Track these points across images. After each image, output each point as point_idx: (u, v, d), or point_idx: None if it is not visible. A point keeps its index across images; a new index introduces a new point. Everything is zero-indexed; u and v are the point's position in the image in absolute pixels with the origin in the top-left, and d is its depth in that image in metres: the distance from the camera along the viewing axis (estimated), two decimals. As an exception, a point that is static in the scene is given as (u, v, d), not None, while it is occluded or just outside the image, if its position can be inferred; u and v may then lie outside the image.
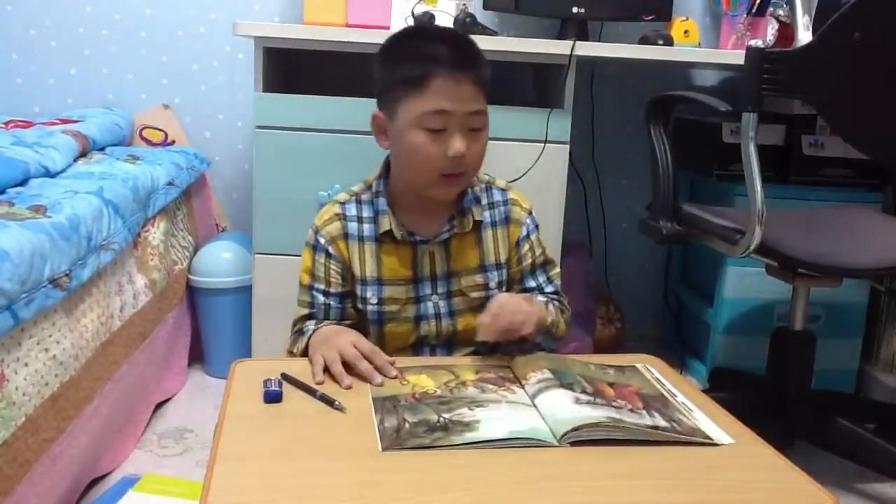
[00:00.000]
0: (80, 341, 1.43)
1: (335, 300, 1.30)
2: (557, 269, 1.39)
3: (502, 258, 1.33)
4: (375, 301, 1.29)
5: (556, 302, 1.35)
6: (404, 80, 1.19)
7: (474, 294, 1.30)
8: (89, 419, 1.47)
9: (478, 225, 1.31)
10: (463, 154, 1.19)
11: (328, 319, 1.30)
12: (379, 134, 1.28)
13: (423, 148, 1.19)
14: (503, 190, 1.35)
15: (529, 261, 1.35)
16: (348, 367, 1.11)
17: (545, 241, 1.40)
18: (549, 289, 1.37)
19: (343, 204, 1.31)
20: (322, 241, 1.29)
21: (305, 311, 1.31)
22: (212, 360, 2.20)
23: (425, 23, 1.29)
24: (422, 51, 1.21)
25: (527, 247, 1.35)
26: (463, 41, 1.25)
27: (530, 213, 1.36)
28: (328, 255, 1.29)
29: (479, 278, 1.31)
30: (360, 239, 1.29)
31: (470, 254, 1.31)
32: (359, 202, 1.31)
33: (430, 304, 1.30)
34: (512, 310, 1.17)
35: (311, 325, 1.29)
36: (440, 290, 1.30)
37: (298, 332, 1.30)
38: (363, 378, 1.10)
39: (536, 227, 1.36)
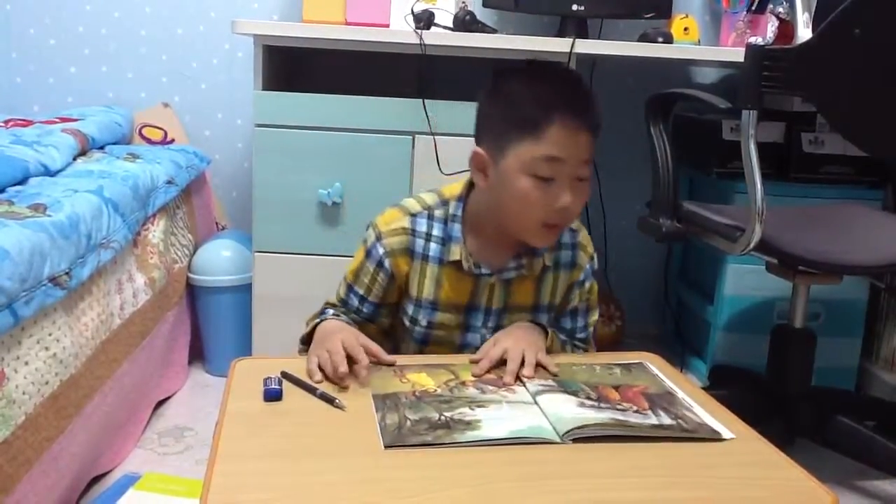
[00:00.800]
0: (80, 340, 1.43)
1: (369, 308, 1.29)
2: (596, 316, 1.35)
3: (557, 300, 1.30)
4: (425, 324, 1.26)
5: (579, 348, 1.33)
6: (518, 122, 1.13)
7: None
8: (89, 417, 1.47)
9: (545, 268, 1.27)
10: (570, 206, 1.14)
11: (357, 315, 1.29)
12: (478, 171, 1.20)
13: (530, 195, 1.13)
14: (573, 231, 1.30)
15: (574, 304, 1.32)
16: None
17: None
18: (581, 335, 1.34)
19: (414, 217, 1.25)
20: (380, 251, 1.25)
21: (337, 302, 1.31)
22: (212, 359, 2.20)
23: (537, 61, 1.23)
24: (541, 93, 1.14)
25: (577, 291, 1.31)
26: (582, 85, 1.19)
27: (592, 258, 1.32)
28: (380, 265, 1.25)
29: (528, 317, 1.27)
30: (424, 258, 1.25)
31: (528, 293, 1.27)
32: (430, 217, 1.25)
33: (478, 335, 1.27)
34: (506, 348, 1.14)
35: (331, 311, 1.29)
36: (490, 323, 1.27)
37: (321, 311, 1.30)
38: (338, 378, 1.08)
39: (594, 272, 1.32)
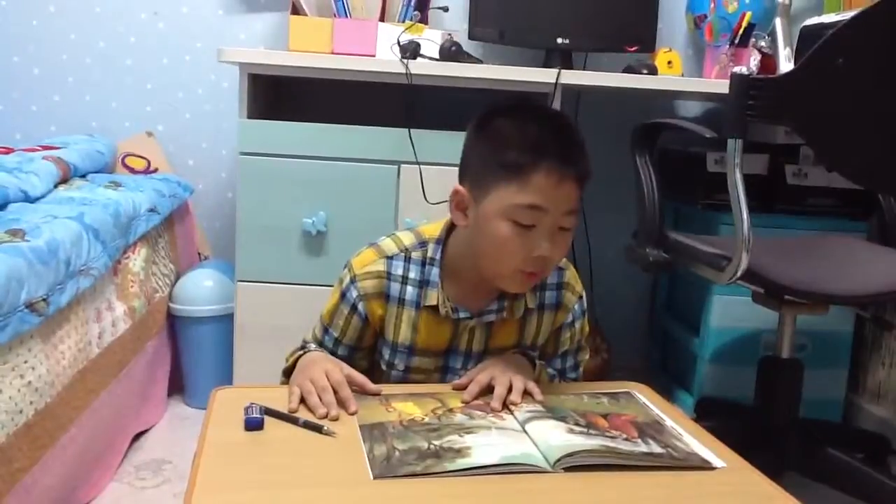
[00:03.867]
0: (56, 368, 1.40)
1: (344, 351, 1.25)
2: (587, 356, 1.32)
3: (540, 341, 1.25)
4: (402, 368, 1.22)
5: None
6: (503, 165, 1.08)
7: None
8: (65, 449, 1.43)
9: (528, 310, 1.23)
10: (549, 255, 1.10)
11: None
12: (457, 210, 1.15)
13: (509, 242, 1.09)
14: (560, 269, 1.25)
15: (566, 348, 1.28)
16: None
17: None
18: (571, 375, 1.30)
19: (390, 259, 1.21)
20: (354, 294, 1.20)
21: (313, 342, 1.27)
22: (192, 391, 2.16)
23: (528, 101, 1.19)
24: (528, 136, 1.09)
25: (568, 334, 1.27)
26: (572, 130, 1.14)
27: (581, 297, 1.27)
28: (354, 310, 1.21)
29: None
30: (401, 302, 1.20)
31: (511, 335, 1.23)
32: (407, 259, 1.21)
33: (456, 377, 1.20)
34: (494, 375, 1.12)
35: (313, 346, 1.25)
36: (470, 365, 1.22)
37: (302, 345, 1.26)
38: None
39: (583, 312, 1.28)
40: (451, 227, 1.22)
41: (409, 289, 1.20)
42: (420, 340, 1.21)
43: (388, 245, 1.23)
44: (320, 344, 1.26)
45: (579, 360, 1.31)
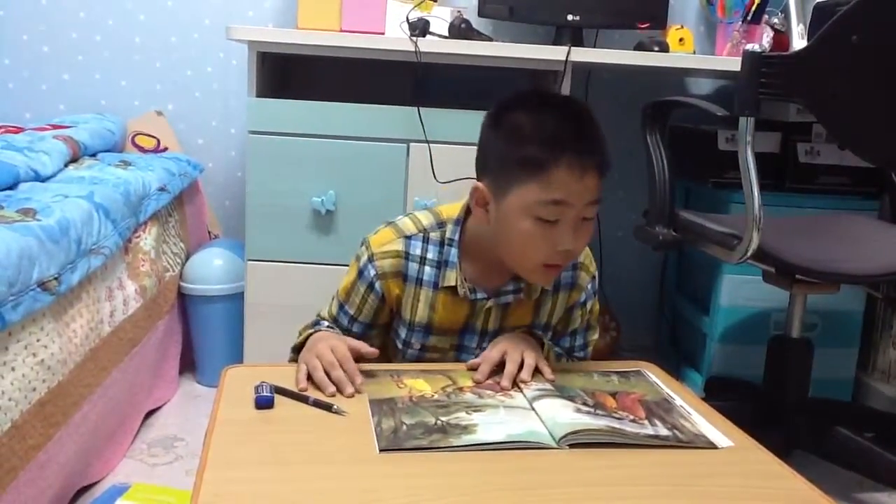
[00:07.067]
0: (68, 346, 1.41)
1: (359, 328, 1.25)
2: (596, 335, 1.32)
3: (554, 320, 1.26)
4: (418, 347, 1.23)
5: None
6: (523, 162, 1.06)
7: None
8: (77, 426, 1.45)
9: (543, 291, 1.23)
10: (572, 249, 1.10)
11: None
12: (479, 206, 1.14)
13: (532, 238, 1.08)
14: None
15: (576, 325, 1.28)
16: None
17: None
18: (579, 353, 1.30)
19: (408, 239, 1.21)
20: (371, 272, 1.21)
21: (327, 319, 1.27)
22: (203, 369, 2.17)
23: (542, 90, 1.17)
24: (545, 130, 1.07)
25: (579, 312, 1.27)
26: (590, 120, 1.12)
27: (594, 277, 1.27)
28: (371, 288, 1.21)
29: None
30: (418, 282, 1.20)
31: (525, 315, 1.23)
32: (426, 241, 1.20)
33: (471, 357, 1.19)
34: (509, 354, 1.12)
35: (325, 324, 1.26)
36: (485, 344, 1.21)
37: (315, 322, 1.27)
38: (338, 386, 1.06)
39: (595, 292, 1.28)
40: (468, 209, 1.21)
41: (427, 269, 1.20)
42: (437, 320, 1.22)
43: (407, 225, 1.23)
44: (335, 320, 1.27)
45: (588, 340, 1.32)
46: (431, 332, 1.22)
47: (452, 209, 1.24)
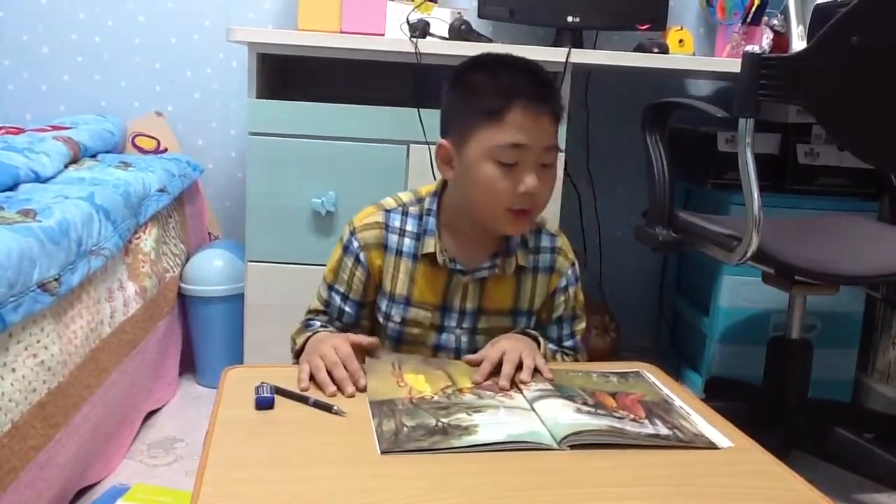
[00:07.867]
0: (68, 347, 1.41)
1: (351, 307, 1.28)
2: (583, 325, 1.34)
3: (535, 305, 1.28)
4: (399, 320, 1.25)
5: (569, 356, 1.31)
6: (480, 110, 1.13)
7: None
8: (78, 427, 1.45)
9: (520, 269, 1.25)
10: (534, 190, 1.14)
11: (340, 322, 1.28)
12: (443, 164, 1.21)
13: (494, 182, 1.13)
14: (553, 236, 1.30)
15: (560, 313, 1.30)
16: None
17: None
18: (567, 343, 1.32)
19: (388, 212, 1.26)
20: (355, 244, 1.25)
21: (320, 306, 1.30)
22: (203, 370, 2.18)
23: (501, 53, 1.23)
24: (501, 81, 1.14)
25: (562, 298, 1.29)
26: (542, 72, 1.18)
27: (574, 264, 1.30)
28: (357, 260, 1.25)
29: (507, 321, 1.26)
30: (398, 253, 1.24)
31: (504, 295, 1.26)
32: (405, 214, 1.26)
33: (452, 336, 1.25)
34: (508, 356, 1.12)
35: (318, 323, 1.28)
36: (465, 324, 1.25)
37: (306, 324, 1.29)
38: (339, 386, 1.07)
39: (577, 279, 1.31)
40: (445, 182, 1.26)
41: (407, 240, 1.25)
42: (416, 292, 1.25)
43: (387, 201, 1.29)
44: (327, 304, 1.29)
45: (574, 329, 1.33)
46: (411, 304, 1.25)
47: (431, 186, 1.29)
